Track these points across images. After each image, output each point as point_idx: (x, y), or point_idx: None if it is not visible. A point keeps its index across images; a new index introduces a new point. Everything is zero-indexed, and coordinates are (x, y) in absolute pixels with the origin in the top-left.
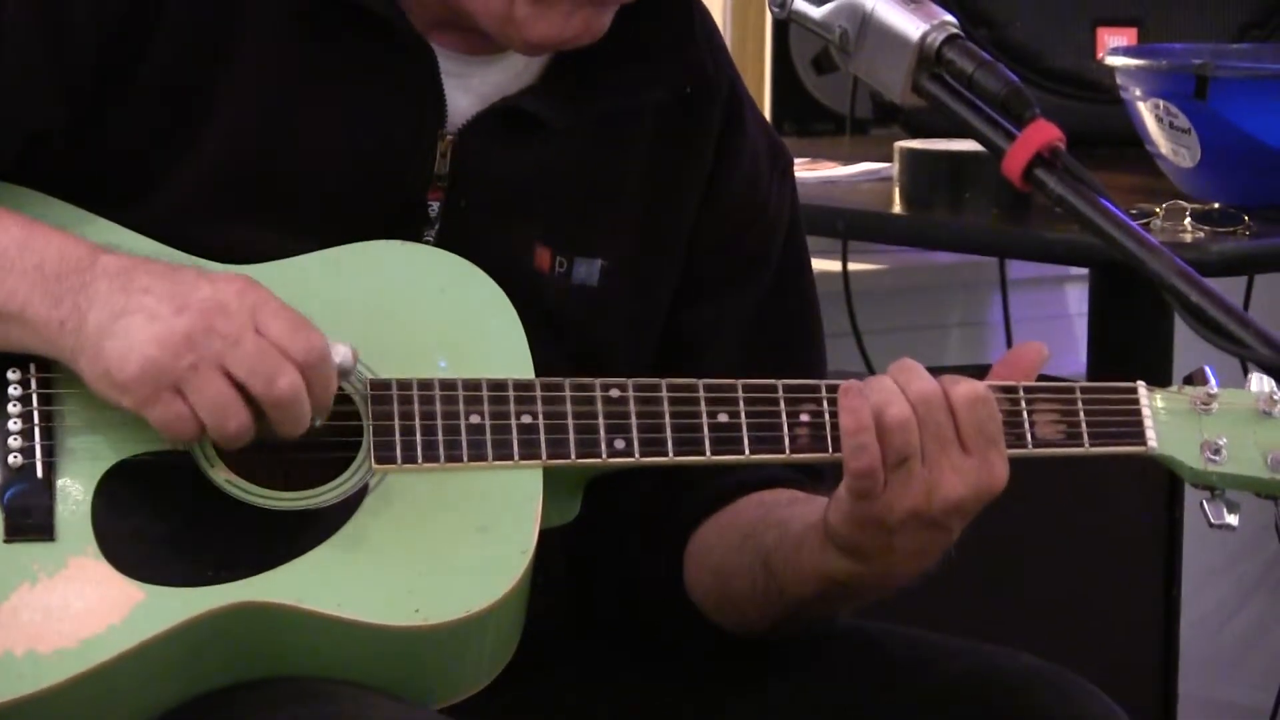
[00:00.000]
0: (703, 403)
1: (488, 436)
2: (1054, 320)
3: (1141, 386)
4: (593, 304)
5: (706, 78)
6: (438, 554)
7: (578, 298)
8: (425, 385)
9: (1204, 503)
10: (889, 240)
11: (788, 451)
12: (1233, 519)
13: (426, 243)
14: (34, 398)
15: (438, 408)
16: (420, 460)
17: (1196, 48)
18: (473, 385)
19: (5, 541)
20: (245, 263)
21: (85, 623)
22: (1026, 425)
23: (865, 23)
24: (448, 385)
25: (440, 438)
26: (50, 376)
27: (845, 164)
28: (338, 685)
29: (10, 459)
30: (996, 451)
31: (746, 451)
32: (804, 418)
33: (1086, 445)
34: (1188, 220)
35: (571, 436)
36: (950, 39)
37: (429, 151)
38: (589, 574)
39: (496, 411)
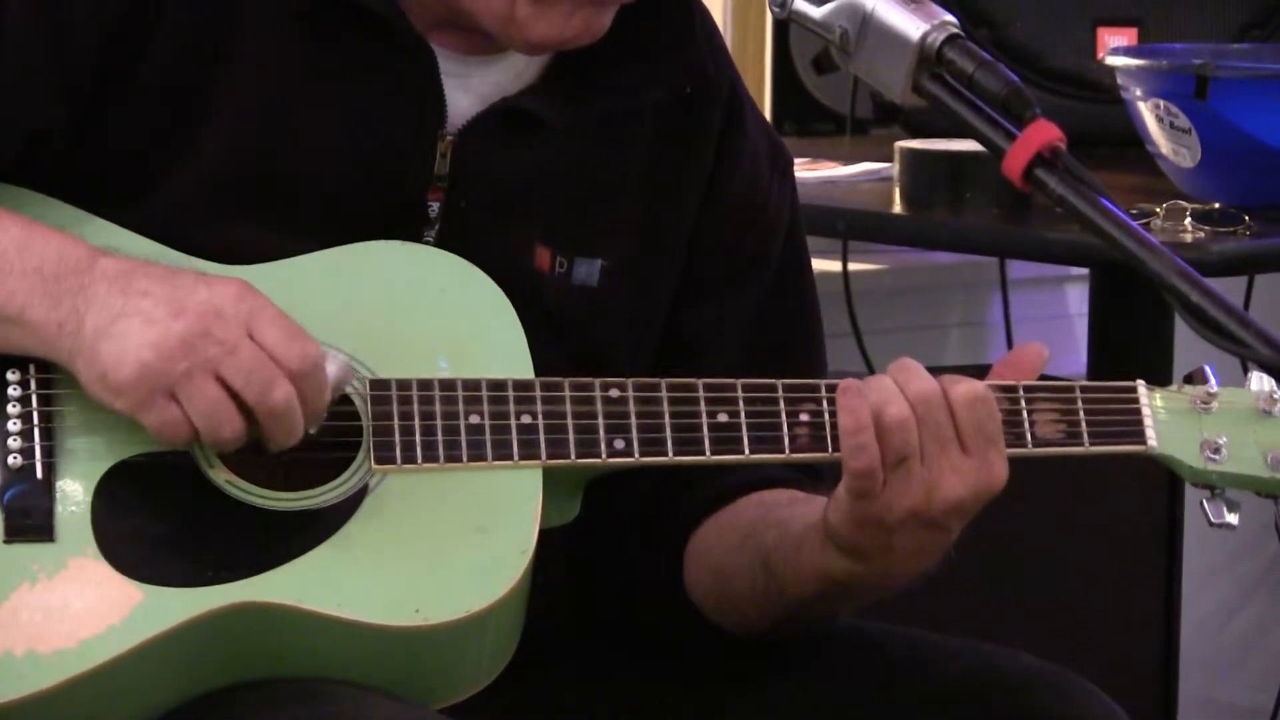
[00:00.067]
0: (702, 402)
1: (487, 436)
2: (1054, 320)
3: (1141, 385)
4: (593, 304)
5: (707, 78)
6: (437, 554)
7: (578, 298)
8: (425, 385)
9: (1204, 502)
10: (889, 240)
11: (787, 451)
12: (1233, 518)
13: (426, 243)
14: (34, 398)
15: (437, 408)
16: (420, 460)
17: (1197, 48)
18: (472, 385)
19: (5, 542)
20: (245, 263)
21: (85, 623)
22: (1026, 425)
23: (866, 23)
24: (447, 385)
25: (440, 438)
26: (50, 377)
27: (845, 164)
28: (338, 685)
29: (10, 460)
30: (996, 451)
31: (746, 451)
32: (804, 417)
33: (1086, 445)
34: (1188, 220)
35: (571, 436)
36: (951, 39)
37: (429, 151)
38: (589, 574)
39: (496, 411)
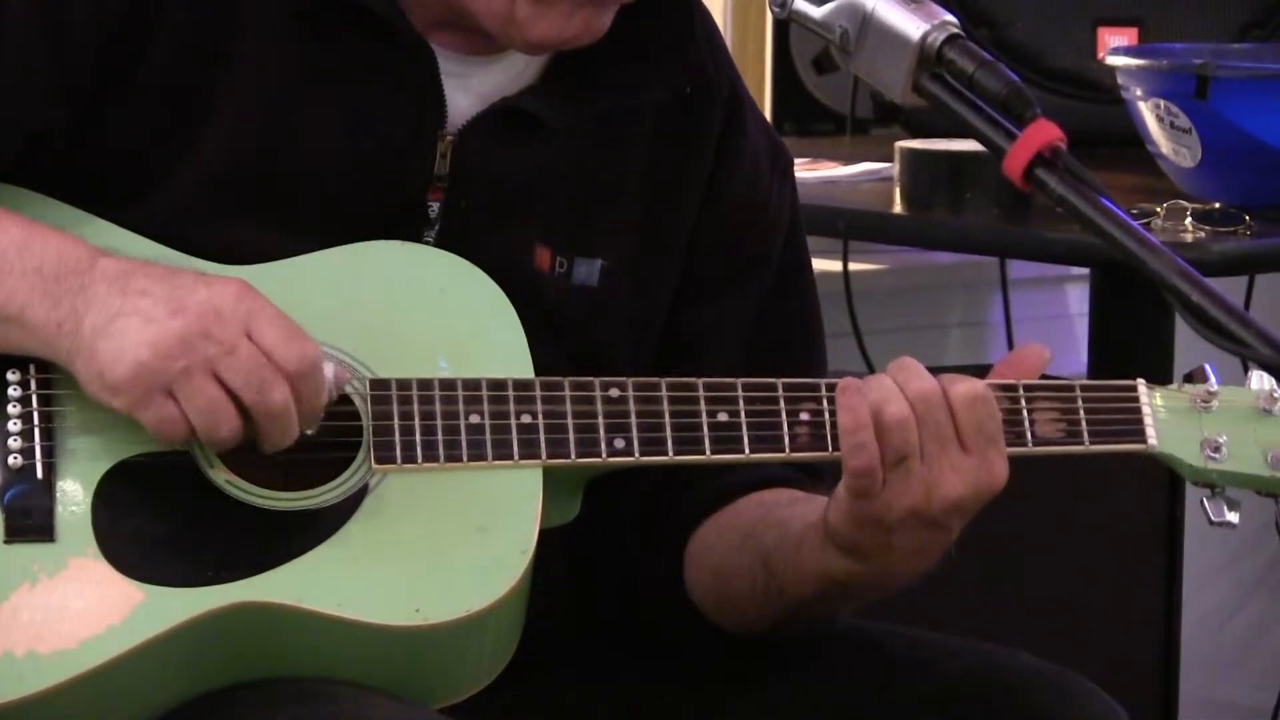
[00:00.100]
0: (702, 402)
1: (487, 436)
2: (1055, 320)
3: (1141, 384)
4: (593, 304)
5: (707, 78)
6: (438, 554)
7: (578, 298)
8: (425, 385)
9: (1204, 500)
10: (890, 240)
11: (788, 450)
12: (1233, 516)
13: (426, 243)
14: (34, 399)
15: (437, 407)
16: (420, 460)
17: (1197, 47)
18: (472, 385)
19: (5, 542)
20: (245, 263)
21: (85, 623)
22: (1026, 423)
23: (866, 22)
24: (447, 385)
25: (440, 437)
26: (50, 378)
27: (846, 164)
28: (338, 685)
29: (10, 460)
30: (996, 450)
31: (746, 450)
32: (804, 416)
33: (1086, 443)
34: (1188, 220)
35: (571, 436)
36: (951, 39)
37: (429, 152)
38: (589, 574)
39: (496, 411)
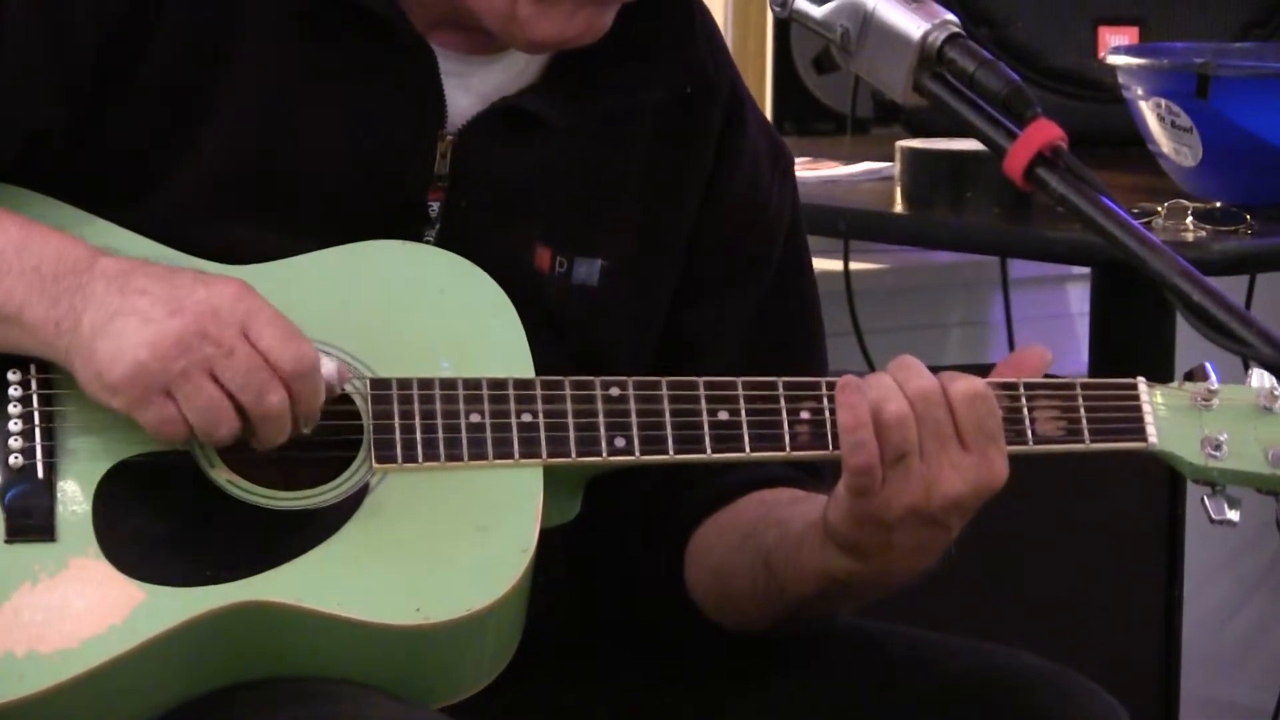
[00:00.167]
0: (703, 400)
1: (488, 435)
2: (1056, 320)
3: (1142, 382)
4: (593, 304)
5: (707, 78)
6: (438, 553)
7: (578, 298)
8: (425, 384)
9: (1205, 498)
10: (890, 240)
11: (788, 449)
12: (1234, 515)
13: (427, 243)
14: (34, 398)
15: (438, 406)
16: (420, 459)
17: (1198, 46)
18: (473, 384)
19: (6, 542)
20: (245, 263)
21: (86, 623)
22: (1027, 422)
23: (867, 22)
24: (448, 384)
25: (440, 436)
26: (50, 377)
27: (846, 163)
28: (338, 685)
29: (11, 460)
30: (996, 448)
31: (747, 449)
32: (804, 415)
33: (1087, 441)
34: (1189, 219)
35: (572, 435)
36: (952, 38)
37: (429, 151)
38: (589, 573)
39: (497, 410)
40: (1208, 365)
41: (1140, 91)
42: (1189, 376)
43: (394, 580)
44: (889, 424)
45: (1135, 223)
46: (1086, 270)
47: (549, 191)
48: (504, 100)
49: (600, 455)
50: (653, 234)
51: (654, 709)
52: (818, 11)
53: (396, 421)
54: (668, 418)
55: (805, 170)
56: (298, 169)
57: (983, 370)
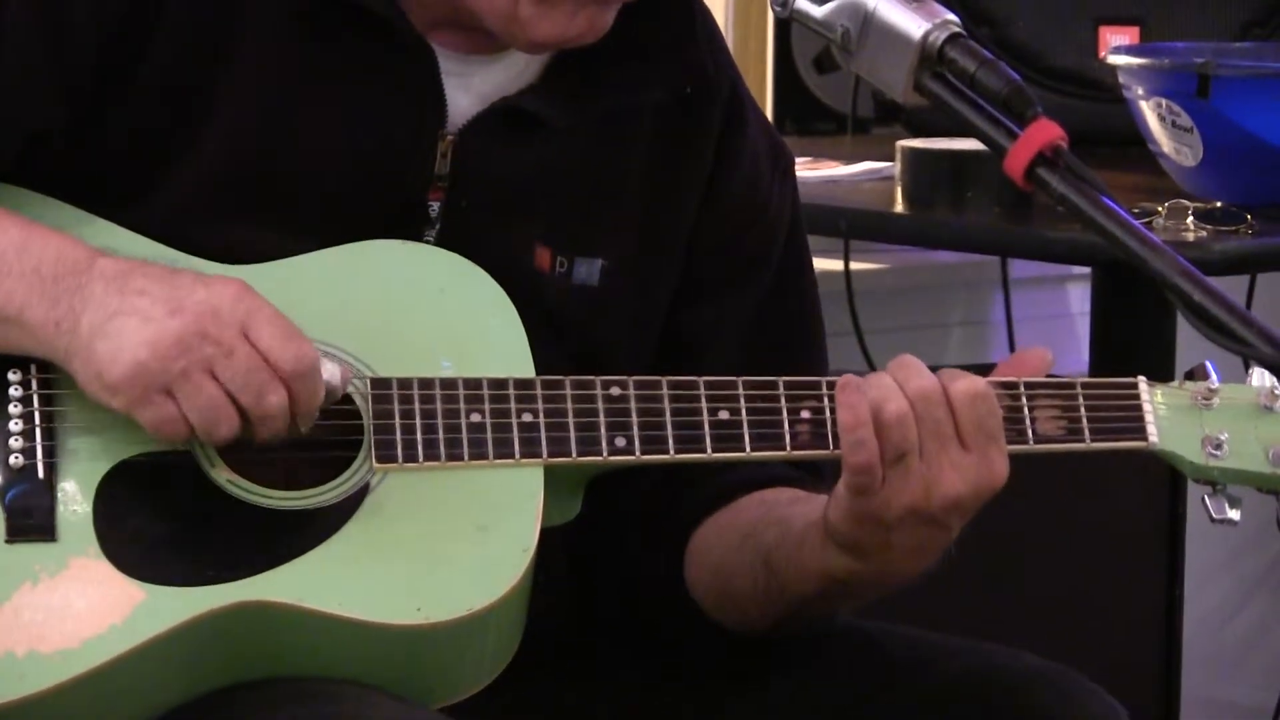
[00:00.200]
0: (703, 399)
1: (489, 435)
2: (1056, 319)
3: (1142, 381)
4: (593, 304)
5: (706, 78)
6: (439, 553)
7: (578, 297)
8: (426, 384)
9: (1205, 498)
10: (891, 239)
11: (789, 448)
12: (1234, 514)
13: (427, 243)
14: (35, 398)
15: (438, 406)
16: (421, 459)
17: (1198, 46)
18: (473, 384)
19: (7, 542)
20: (245, 263)
21: (87, 623)
22: (1027, 421)
23: (867, 21)
24: (448, 384)
25: (441, 436)
26: (51, 377)
27: (847, 163)
28: (338, 685)
29: (11, 460)
30: (996, 448)
31: (747, 448)
32: (805, 414)
33: (1088, 441)
34: (1190, 219)
35: (572, 434)
36: (952, 38)
37: (429, 151)
38: (590, 573)
39: (497, 410)
40: (1208, 364)
41: (1141, 91)
42: (1189, 376)
43: (394, 580)
44: (889, 423)
45: (1136, 222)
46: (1087, 270)
47: (549, 191)
48: (504, 100)
49: (601, 455)
50: (653, 234)
51: (654, 708)
52: (818, 11)
53: (397, 421)
54: (668, 417)
55: (806, 170)
56: (298, 169)
57: (984, 370)
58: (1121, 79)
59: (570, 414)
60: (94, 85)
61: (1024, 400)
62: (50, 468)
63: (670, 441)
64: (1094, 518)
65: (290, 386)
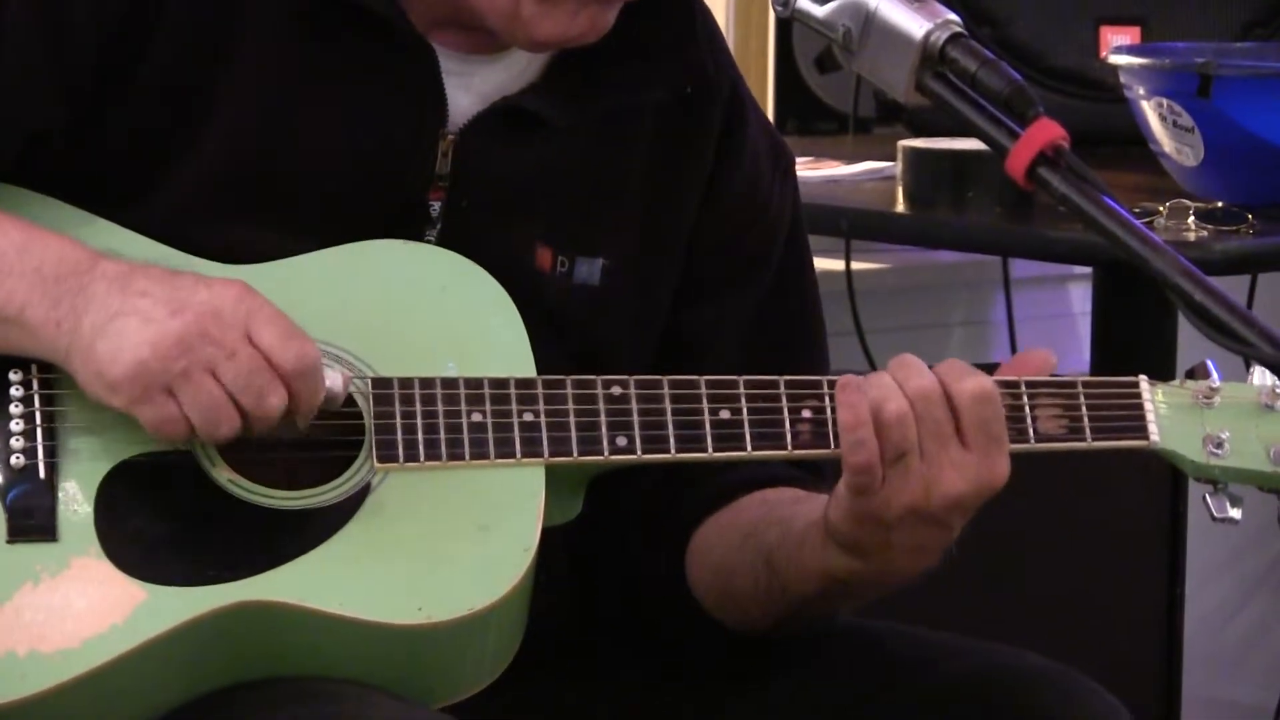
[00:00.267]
0: (704, 399)
1: (490, 435)
2: (1057, 319)
3: (1143, 380)
4: (594, 303)
5: (707, 78)
6: (440, 552)
7: (579, 297)
8: (427, 384)
9: (1206, 497)
10: (892, 239)
11: (790, 448)
12: (1235, 513)
13: (428, 243)
14: (36, 398)
15: (439, 406)
16: (422, 459)
17: (1200, 46)
18: (474, 383)
19: (8, 542)
20: (245, 263)
21: (88, 622)
22: (1029, 420)
23: (869, 21)
24: (449, 384)
25: (442, 436)
26: (52, 377)
27: (848, 163)
28: (339, 685)
29: (12, 460)
30: (998, 449)
31: (749, 448)
32: (806, 414)
33: (1089, 440)
34: (1191, 219)
35: (573, 434)
36: (954, 37)
37: (430, 151)
38: (591, 572)
39: (498, 409)
40: (1209, 363)
41: (1142, 91)
42: (1190, 374)
43: (396, 580)
44: (889, 423)
45: (1137, 222)
46: (1088, 270)
47: (550, 191)
48: (505, 100)
49: (602, 454)
50: (653, 234)
51: (655, 708)
52: (820, 11)
53: (398, 421)
54: (669, 417)
55: (807, 170)
56: (298, 169)
57: (986, 371)
58: (1123, 79)
59: (571, 413)
60: (94, 85)
61: (1025, 399)
62: (51, 468)
63: (671, 441)
64: (1095, 517)
65: (291, 386)
